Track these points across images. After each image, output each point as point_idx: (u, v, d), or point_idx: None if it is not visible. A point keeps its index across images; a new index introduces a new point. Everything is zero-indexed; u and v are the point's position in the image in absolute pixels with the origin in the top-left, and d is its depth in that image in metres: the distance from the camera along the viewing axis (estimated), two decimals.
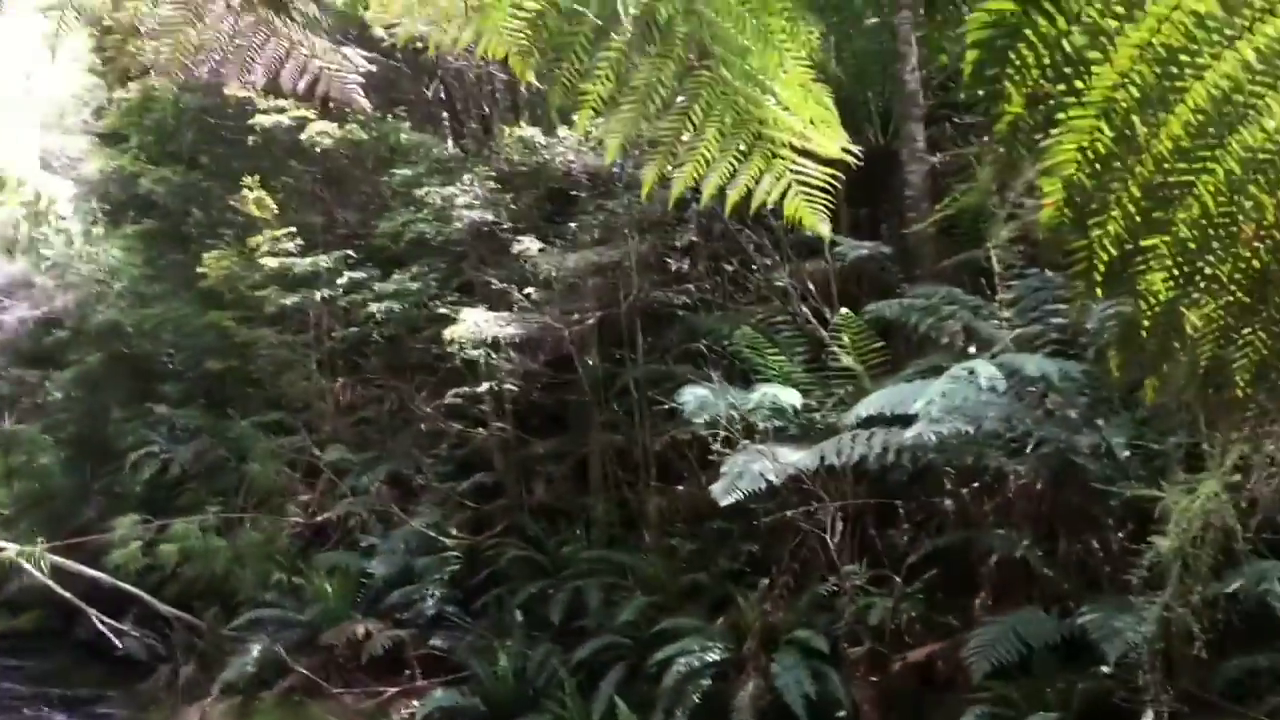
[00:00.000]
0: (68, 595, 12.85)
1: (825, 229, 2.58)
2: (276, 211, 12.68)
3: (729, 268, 11.05)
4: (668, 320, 11.94)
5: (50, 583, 12.44)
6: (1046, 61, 1.71)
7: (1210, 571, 6.99)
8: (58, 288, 16.36)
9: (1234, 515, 6.76)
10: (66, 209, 5.78)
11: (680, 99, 2.44)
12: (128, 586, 12.91)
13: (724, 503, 8.86)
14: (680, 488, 11.40)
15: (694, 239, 10.93)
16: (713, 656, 9.61)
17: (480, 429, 12.68)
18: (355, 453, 13.37)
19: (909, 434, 7.87)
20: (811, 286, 10.75)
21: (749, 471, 8.81)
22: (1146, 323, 2.04)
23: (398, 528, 12.50)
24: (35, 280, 16.53)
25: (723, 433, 9.31)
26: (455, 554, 12.18)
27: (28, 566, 11.97)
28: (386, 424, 13.89)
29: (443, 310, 11.73)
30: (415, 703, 10.93)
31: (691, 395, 9.57)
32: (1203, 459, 7.22)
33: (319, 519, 12.91)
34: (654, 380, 11.70)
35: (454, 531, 12.40)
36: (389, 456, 13.47)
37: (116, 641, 13.01)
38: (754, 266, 11.05)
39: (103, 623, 12.63)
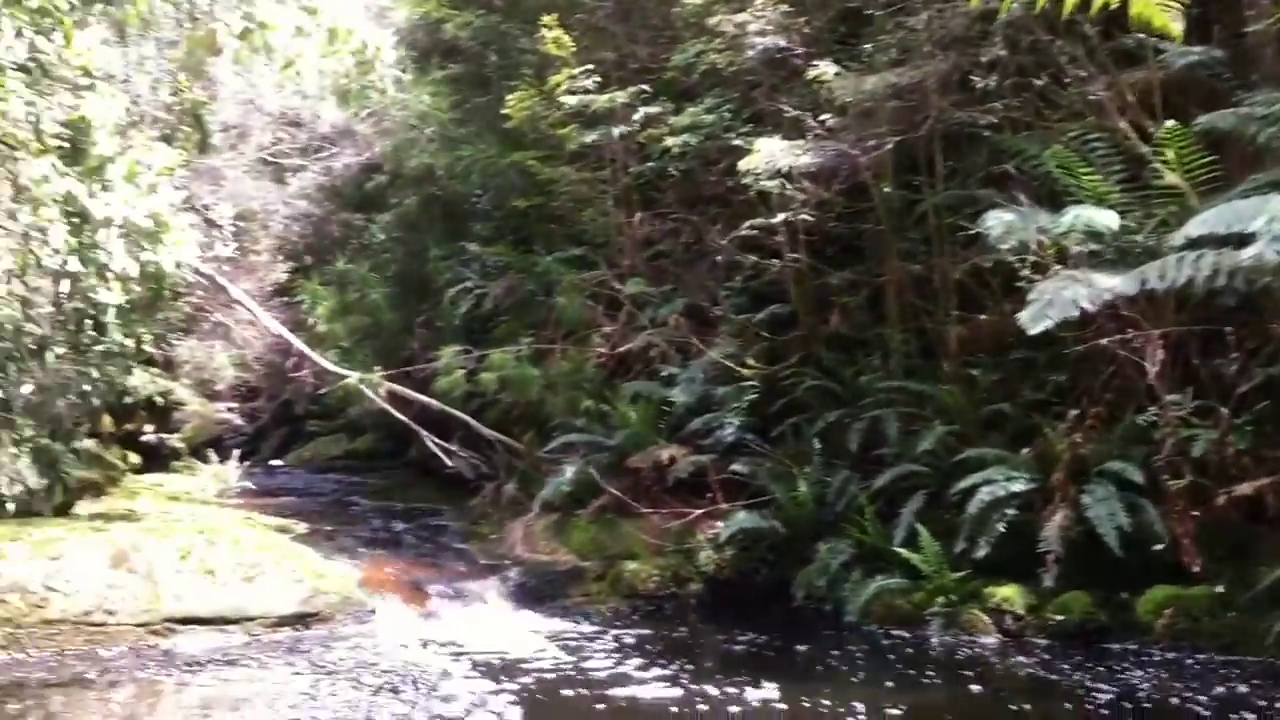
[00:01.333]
0: (403, 419, 14.07)
1: (1178, 28, 2.37)
2: (573, 49, 12.89)
3: (1038, 83, 10.35)
4: (970, 142, 11.41)
5: (388, 407, 13.66)
6: None
7: None
8: (375, 134, 17.46)
9: None
10: (389, 56, 6.16)
11: None
12: (453, 411, 13.99)
13: (1032, 331, 8.55)
14: (982, 317, 11.07)
15: (1000, 53, 10.26)
16: (1018, 486, 9.46)
17: (775, 260, 12.70)
18: (653, 286, 13.72)
19: (1246, 254, 7.29)
20: (1131, 99, 9.95)
21: (1060, 298, 8.44)
22: None
23: (696, 358, 12.85)
24: (356, 128, 17.70)
25: (1031, 258, 8.93)
26: (752, 383, 12.42)
27: (368, 392, 13.15)
28: (682, 257, 14.13)
29: (736, 142, 11.68)
30: (719, 524, 11.39)
31: (997, 220, 9.19)
32: None
33: (621, 350, 13.42)
34: (954, 206, 11.30)
35: (750, 362, 12.62)
36: (685, 289, 13.75)
37: (446, 461, 14.21)
38: (1066, 80, 10.32)
39: (434, 444, 13.78)
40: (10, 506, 9.63)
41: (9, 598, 9.37)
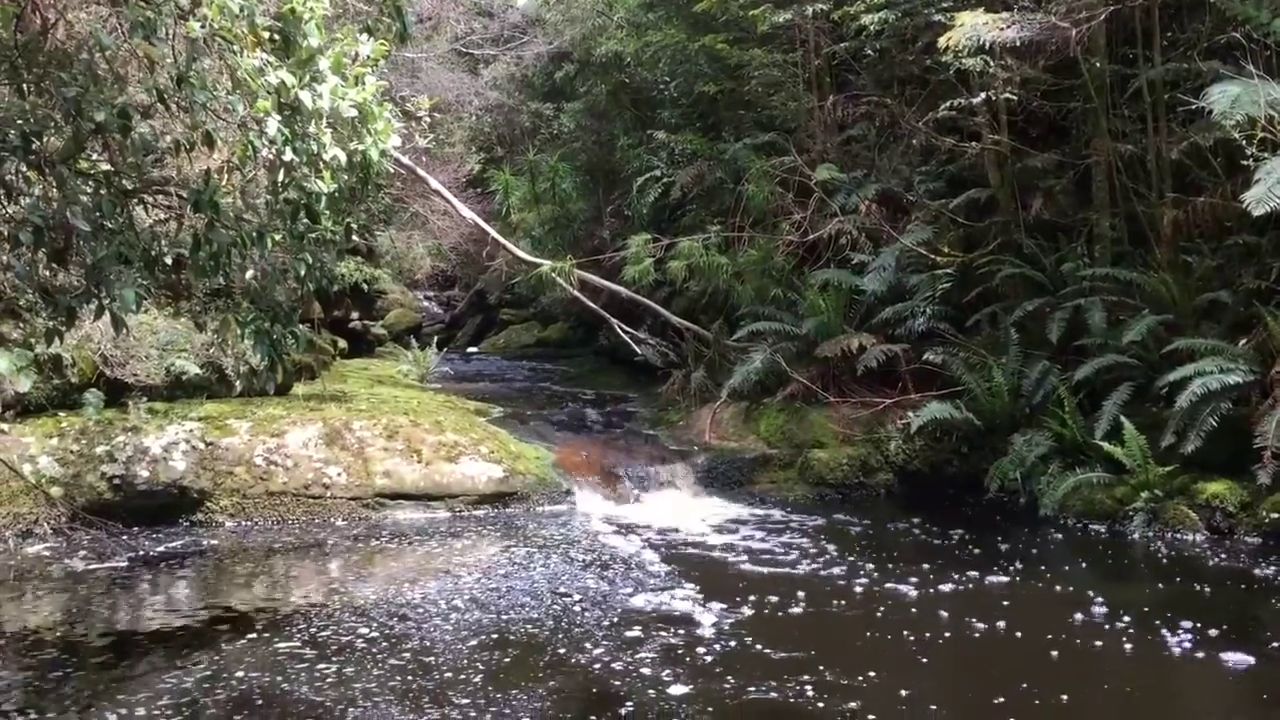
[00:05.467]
0: (593, 307, 14.28)
1: None
2: None
3: None
4: (1193, 10, 10.60)
5: (578, 295, 13.87)
6: None
7: None
8: (565, 22, 17.47)
9: None
10: None
11: None
12: (642, 299, 14.12)
13: (1257, 213, 8.05)
14: (1200, 198, 10.38)
15: None
16: (1234, 379, 8.97)
17: (973, 143, 12.20)
18: (845, 171, 13.39)
19: None
20: None
21: None
22: None
23: (888, 245, 12.54)
24: (545, 17, 17.75)
25: (1260, 133, 8.28)
26: (946, 271, 12.07)
27: (559, 280, 13.38)
28: (875, 141, 13.72)
29: (936, 18, 11.15)
30: (910, 414, 11.22)
31: (1222, 93, 8.55)
32: None
33: (811, 237, 13.20)
34: (1174, 80, 10.58)
35: (945, 249, 12.24)
36: (878, 174, 13.38)
37: (635, 348, 14.41)
38: None
39: (624, 332, 13.96)
40: (238, 385, 10.33)
41: (236, 470, 10.12)
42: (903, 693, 5.62)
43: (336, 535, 9.55)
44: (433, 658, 6.21)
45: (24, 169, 5.20)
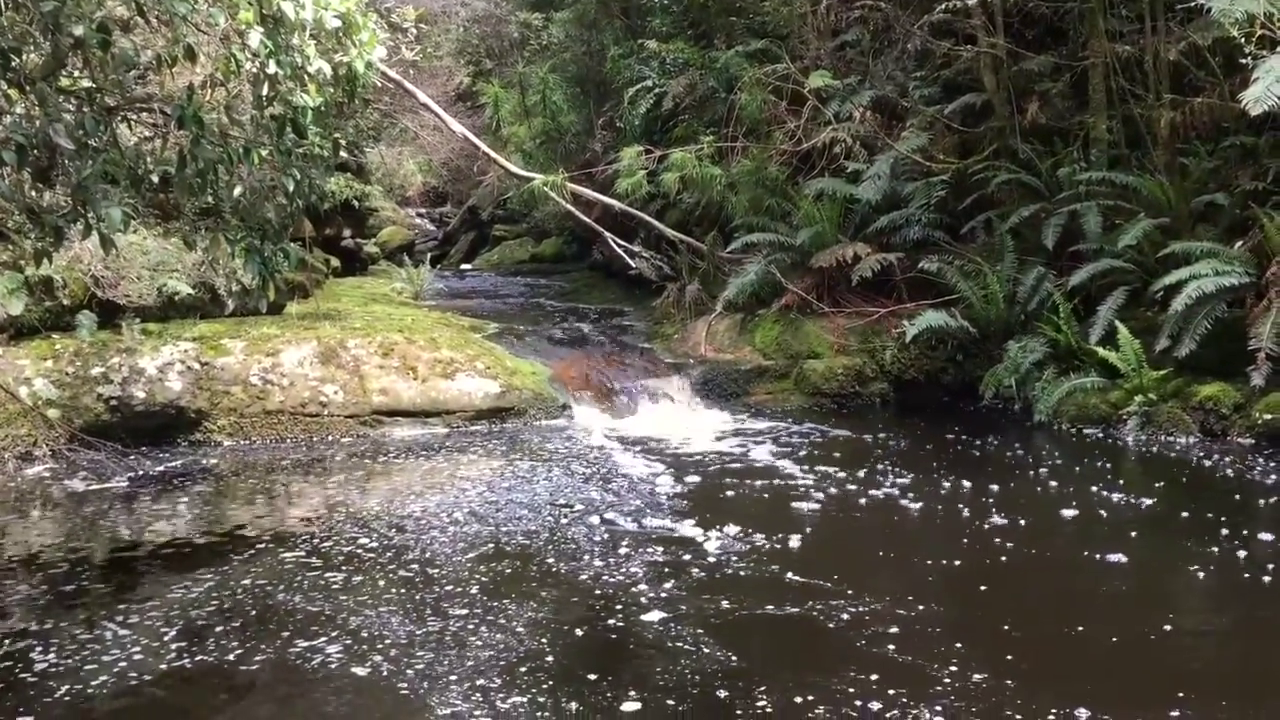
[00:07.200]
0: (587, 221, 14.18)
1: None
2: None
3: None
4: None
5: (571, 209, 13.76)
6: None
7: None
8: None
9: None
10: None
11: None
12: (636, 212, 14.01)
13: (1255, 112, 7.96)
14: (1198, 99, 10.27)
15: None
16: (1230, 281, 8.97)
17: (969, 46, 12.03)
18: (839, 78, 13.20)
19: None
20: None
21: None
22: None
23: (883, 153, 12.42)
24: None
25: (1259, 30, 8.15)
26: (942, 178, 11.99)
27: (552, 194, 13.26)
28: (870, 47, 13.50)
29: None
30: (905, 323, 11.22)
31: None
32: None
33: (805, 146, 13.05)
34: None
35: (940, 156, 12.14)
36: (873, 81, 13.20)
37: (629, 262, 14.34)
38: None
39: (618, 245, 13.88)
40: (230, 305, 10.30)
41: (233, 390, 10.14)
42: (918, 612, 5.68)
43: (338, 452, 9.60)
44: (434, 569, 6.28)
45: (4, 87, 5.12)
